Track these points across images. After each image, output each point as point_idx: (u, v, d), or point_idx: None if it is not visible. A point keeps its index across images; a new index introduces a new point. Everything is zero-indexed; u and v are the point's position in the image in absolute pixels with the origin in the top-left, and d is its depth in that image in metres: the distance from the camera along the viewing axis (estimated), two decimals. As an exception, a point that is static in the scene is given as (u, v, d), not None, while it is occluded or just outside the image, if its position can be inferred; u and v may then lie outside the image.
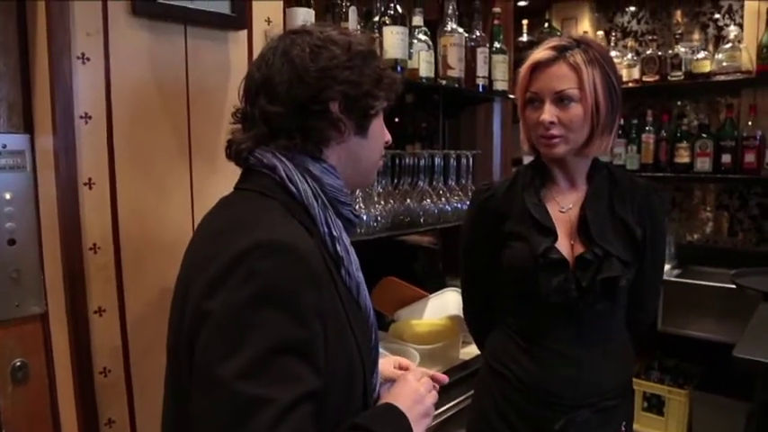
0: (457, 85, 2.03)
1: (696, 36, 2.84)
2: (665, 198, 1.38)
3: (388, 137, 1.01)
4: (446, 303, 1.98)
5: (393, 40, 1.76)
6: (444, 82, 1.99)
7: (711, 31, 2.89)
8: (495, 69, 2.23)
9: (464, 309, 1.56)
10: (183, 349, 0.80)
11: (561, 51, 1.20)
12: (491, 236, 1.33)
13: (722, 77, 2.69)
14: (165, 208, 1.39)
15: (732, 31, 2.68)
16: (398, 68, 1.81)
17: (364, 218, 1.69)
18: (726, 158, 2.71)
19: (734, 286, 2.42)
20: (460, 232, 1.47)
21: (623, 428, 1.33)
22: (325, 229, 0.86)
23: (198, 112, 1.42)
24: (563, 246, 1.25)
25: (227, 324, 0.71)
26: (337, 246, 0.86)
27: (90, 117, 1.26)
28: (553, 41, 1.24)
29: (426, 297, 2.02)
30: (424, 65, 1.91)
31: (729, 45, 2.66)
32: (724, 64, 2.66)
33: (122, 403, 1.35)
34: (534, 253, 1.23)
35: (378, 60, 0.93)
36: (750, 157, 2.65)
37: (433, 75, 1.95)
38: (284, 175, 0.85)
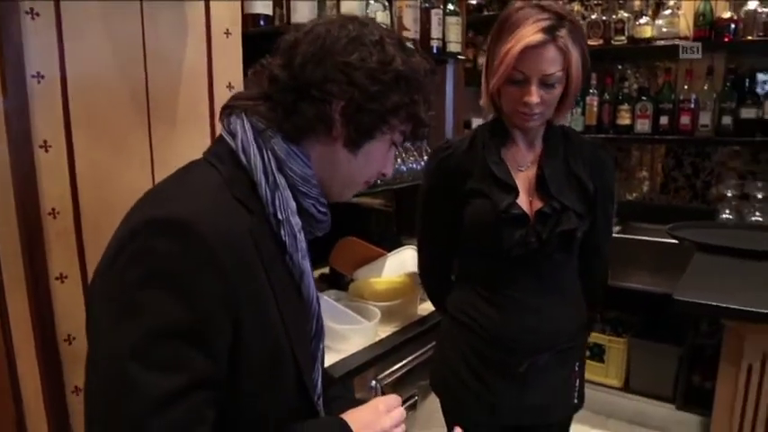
0: (413, 47, 2.03)
1: (638, 2, 2.93)
2: (610, 153, 1.45)
3: (388, 170, 0.92)
4: (404, 261, 2.03)
5: (352, 2, 1.75)
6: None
7: (652, -4, 2.98)
8: (449, 31, 2.25)
9: (420, 266, 1.61)
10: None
11: (551, 33, 1.19)
12: (451, 193, 1.37)
13: (661, 43, 2.79)
14: (125, 171, 1.36)
15: (671, -2, 2.78)
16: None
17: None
18: (664, 120, 2.84)
19: (670, 240, 2.59)
20: (419, 190, 1.50)
21: (576, 368, 1.44)
22: (271, 210, 0.80)
23: (155, 74, 1.39)
24: (523, 201, 1.32)
25: (115, 302, 0.68)
26: (281, 230, 0.80)
27: (43, 77, 1.21)
28: (538, 19, 1.20)
29: (384, 255, 2.06)
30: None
31: (669, 12, 2.76)
32: (663, 30, 2.77)
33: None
34: (497, 209, 1.29)
35: (416, 92, 0.84)
36: (685, 120, 2.79)
37: (389, 36, 1.96)
38: (240, 144, 0.80)
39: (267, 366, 0.79)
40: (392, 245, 2.27)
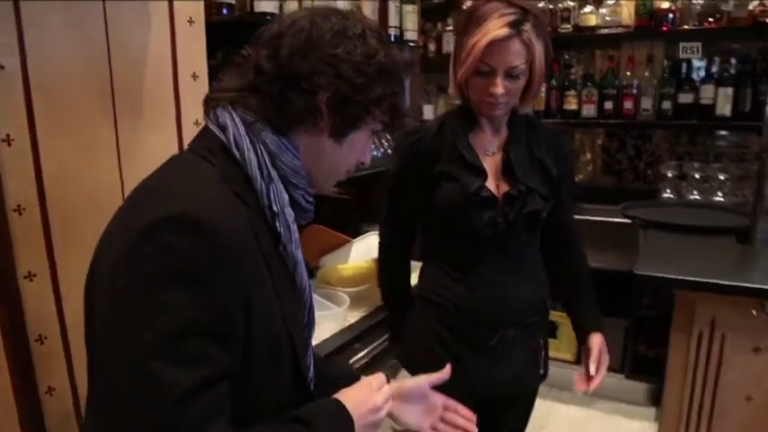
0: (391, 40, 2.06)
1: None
2: (567, 138, 1.56)
3: (367, 159, 0.95)
4: (369, 247, 2.06)
5: (313, -11, 1.75)
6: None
7: (596, -14, 3.09)
8: (406, 20, 2.28)
9: (381, 248, 1.63)
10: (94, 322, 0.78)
11: (516, 27, 1.24)
12: (421, 176, 1.42)
13: (605, 31, 2.91)
14: (92, 166, 1.33)
15: (614, -13, 2.90)
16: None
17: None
18: (608, 105, 2.96)
19: (615, 220, 2.73)
20: (390, 173, 1.53)
21: (541, 341, 1.53)
22: (266, 202, 0.81)
23: (119, 63, 1.35)
24: (490, 185, 1.38)
25: (135, 299, 0.68)
26: (276, 221, 0.82)
27: (2, 67, 1.16)
28: (504, 14, 1.25)
29: (350, 242, 2.09)
30: (340, 14, 1.92)
31: (612, 1, 2.88)
32: (607, 18, 2.88)
33: (62, 370, 1.31)
34: (466, 191, 1.35)
35: (397, 84, 0.87)
36: (628, 104, 2.92)
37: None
38: (232, 138, 0.80)
39: (269, 355, 0.81)
40: (354, 232, 2.30)
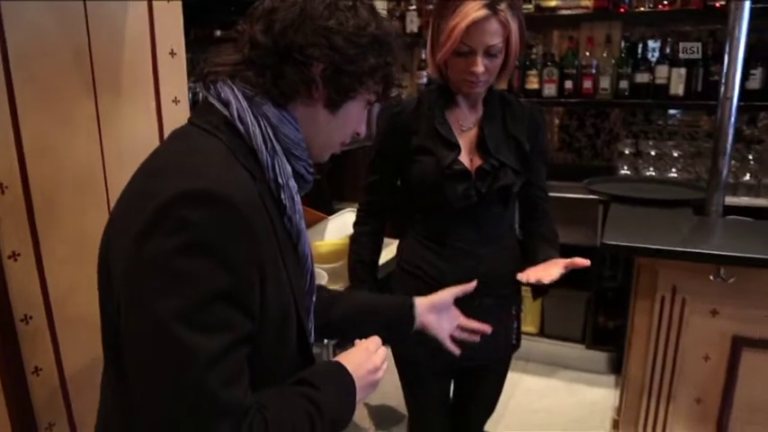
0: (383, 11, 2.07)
1: (543, -28, 3.10)
2: (541, 110, 1.58)
3: (362, 129, 0.97)
4: (345, 224, 2.10)
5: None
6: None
7: (556, -33, 3.16)
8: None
9: (357, 224, 1.66)
10: (111, 297, 0.79)
11: (492, 7, 1.29)
12: (398, 150, 1.47)
13: (565, 12, 2.99)
14: (73, 143, 1.32)
15: (573, -32, 2.98)
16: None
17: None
18: (568, 85, 3.06)
19: (576, 196, 2.83)
20: (372, 146, 1.57)
21: (514, 311, 1.60)
22: (271, 175, 0.83)
23: (99, 40, 1.33)
24: (464, 159, 1.43)
25: (158, 272, 0.70)
26: (282, 193, 0.84)
27: (-20, 43, 1.14)
28: None
29: (325, 219, 2.11)
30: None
31: (572, -18, 2.96)
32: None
33: (48, 350, 1.31)
34: (441, 165, 1.41)
35: (389, 54, 0.89)
36: (588, 84, 3.02)
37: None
38: (236, 113, 0.82)
39: (279, 320, 0.84)
40: (327, 210, 2.32)
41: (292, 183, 0.86)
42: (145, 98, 1.47)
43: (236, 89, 0.83)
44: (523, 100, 1.56)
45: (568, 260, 1.35)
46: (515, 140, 1.46)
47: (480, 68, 1.33)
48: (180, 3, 1.52)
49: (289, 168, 0.86)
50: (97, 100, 1.35)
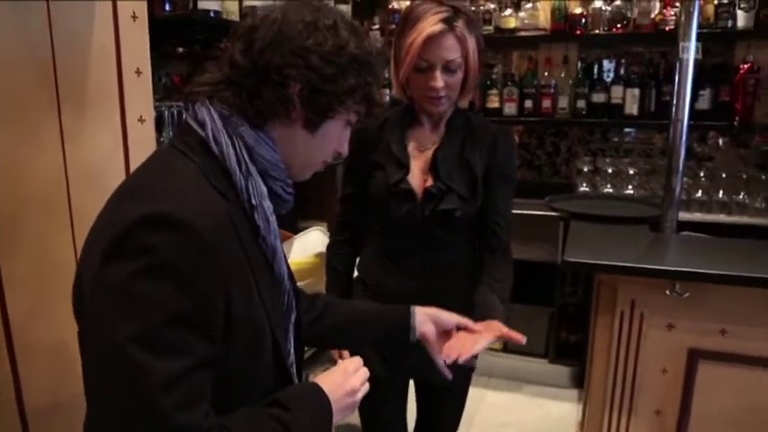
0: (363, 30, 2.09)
1: (502, -6, 3.20)
2: (510, 136, 1.57)
3: (344, 149, 0.97)
4: (311, 242, 2.10)
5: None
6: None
7: (515, -10, 3.25)
8: (340, 19, 2.32)
9: (333, 235, 1.68)
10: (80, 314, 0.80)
11: (449, 23, 1.32)
12: (362, 163, 1.49)
13: (524, 33, 3.08)
14: (36, 161, 1.29)
15: (531, -9, 3.07)
16: (258, 15, 1.82)
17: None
18: (528, 104, 3.14)
19: (537, 213, 2.89)
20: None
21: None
22: (245, 196, 0.83)
23: (64, 60, 1.32)
24: (416, 178, 1.45)
25: (118, 296, 0.71)
26: (255, 214, 0.84)
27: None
28: (436, 12, 1.32)
29: (291, 237, 2.11)
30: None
31: (530, 5, 3.05)
32: (526, 21, 3.05)
33: (6, 375, 1.27)
34: (387, 183, 1.43)
35: (370, 74, 0.89)
36: (546, 103, 3.11)
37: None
38: (210, 133, 0.82)
39: (251, 341, 0.83)
40: (292, 229, 2.32)
41: (267, 203, 0.86)
42: (110, 116, 1.46)
43: (212, 110, 0.84)
44: (493, 124, 1.54)
45: (505, 331, 1.24)
46: (468, 165, 1.44)
47: (440, 83, 1.34)
48: (146, 22, 1.51)
49: (264, 189, 0.85)
50: (61, 117, 1.33)
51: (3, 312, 1.24)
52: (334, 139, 0.94)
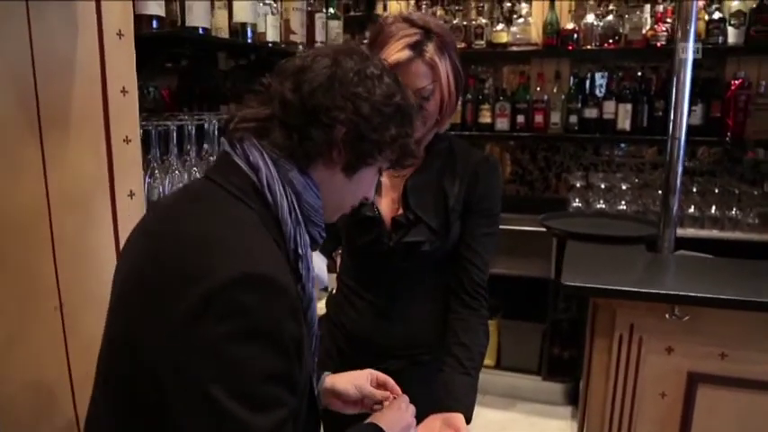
0: (301, 49, 2.05)
1: (495, 10, 3.19)
2: (494, 167, 1.40)
3: (371, 195, 0.99)
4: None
5: (243, 4, 1.72)
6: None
7: (507, 5, 3.24)
8: (331, 34, 2.29)
9: None
10: (132, 353, 0.79)
11: (417, 48, 1.21)
12: None
13: (516, 48, 3.07)
14: (15, 185, 1.23)
15: (523, 8, 3.07)
16: (249, 33, 1.78)
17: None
18: (520, 119, 3.13)
19: (529, 228, 2.87)
20: None
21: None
22: (292, 246, 0.84)
23: (45, 79, 1.26)
24: (386, 206, 1.34)
25: (214, 356, 0.72)
26: (299, 264, 0.85)
27: None
28: (403, 36, 1.22)
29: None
30: (270, 29, 1.90)
31: (522, 20, 3.04)
32: (518, 36, 3.04)
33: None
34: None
35: (409, 125, 0.92)
36: (539, 118, 3.10)
37: (278, 39, 1.95)
38: (265, 181, 0.83)
39: (303, 387, 0.87)
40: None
41: (309, 252, 0.87)
42: (94, 138, 1.39)
43: (264, 154, 0.84)
44: (478, 152, 1.43)
45: None
46: (444, 195, 1.32)
47: None
48: (132, 39, 1.46)
49: (307, 238, 0.87)
50: (43, 142, 1.27)
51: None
52: (366, 184, 0.96)
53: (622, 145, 3.26)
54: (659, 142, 2.93)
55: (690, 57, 1.79)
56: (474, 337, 1.31)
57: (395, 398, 1.13)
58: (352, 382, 1.15)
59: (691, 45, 1.79)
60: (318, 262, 1.99)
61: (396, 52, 1.20)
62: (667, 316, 1.71)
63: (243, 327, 0.72)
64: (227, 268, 0.72)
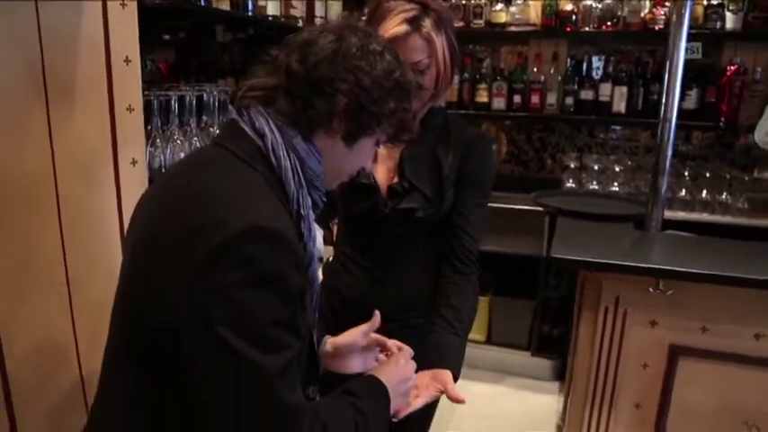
0: (300, 24, 2.08)
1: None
2: (488, 142, 1.48)
3: (368, 165, 1.05)
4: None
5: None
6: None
7: (506, -15, 3.25)
8: (330, 10, 2.31)
9: None
10: (144, 307, 0.85)
11: (414, 23, 1.25)
12: None
13: (514, 28, 3.09)
14: (22, 151, 1.27)
15: (523, -13, 3.08)
16: (249, 6, 1.81)
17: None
18: (517, 99, 3.16)
19: (521, 207, 2.92)
20: None
21: None
22: (295, 206, 0.90)
23: (52, 50, 1.29)
24: (383, 175, 1.39)
25: (225, 303, 0.77)
26: (302, 224, 0.91)
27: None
28: (401, 11, 1.26)
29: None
30: (270, 3, 1.92)
31: (521, 1, 3.05)
32: (516, 16, 3.06)
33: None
34: None
35: (407, 101, 0.98)
36: (535, 98, 3.13)
37: (278, 13, 1.98)
38: (270, 145, 0.88)
39: (305, 335, 0.91)
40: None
41: (311, 213, 0.93)
42: (98, 107, 1.43)
43: (270, 120, 0.90)
44: (473, 128, 1.47)
45: (450, 387, 1.19)
46: (438, 164, 1.38)
47: None
48: (135, 9, 1.49)
49: (309, 200, 0.93)
50: (49, 110, 1.31)
51: (-13, 303, 1.23)
52: (365, 154, 1.01)
53: (617, 128, 3.29)
54: (654, 126, 2.97)
55: (683, 41, 1.82)
56: (464, 299, 1.38)
57: (399, 349, 1.18)
58: (356, 333, 1.20)
59: (685, 29, 1.82)
60: (316, 233, 2.03)
61: (393, 27, 1.25)
62: (651, 290, 1.76)
63: (252, 275, 0.77)
64: (236, 222, 0.78)
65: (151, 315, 0.84)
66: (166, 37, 2.37)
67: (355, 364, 1.21)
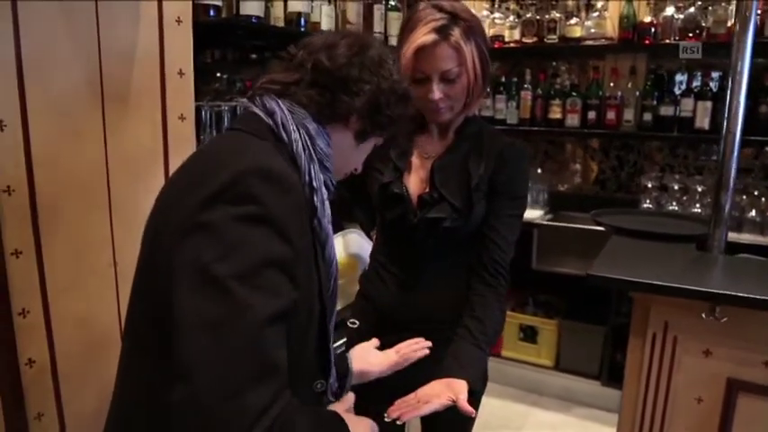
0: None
1: (569, 3, 3.12)
2: (521, 152, 1.46)
3: (359, 167, 1.09)
4: (347, 242, 2.15)
5: (298, -6, 1.85)
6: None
7: (582, -1, 3.18)
8: (390, 26, 2.37)
9: None
10: (159, 263, 0.83)
11: (442, 32, 1.28)
12: (368, 168, 1.43)
13: (590, 42, 2.99)
14: (79, 151, 1.42)
15: (599, 1, 2.98)
16: (302, 21, 1.91)
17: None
18: (592, 115, 3.04)
19: (595, 228, 2.79)
20: None
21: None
22: (307, 179, 0.91)
23: (109, 60, 1.44)
24: (414, 184, 1.42)
25: (221, 235, 0.76)
26: (314, 196, 0.91)
27: (-8, 59, 1.25)
28: (430, 20, 1.29)
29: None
30: (325, 19, 2.01)
31: (597, 14, 2.96)
32: (592, 30, 2.97)
33: (42, 343, 1.39)
34: (379, 184, 1.43)
35: (409, 110, 1.05)
36: (611, 115, 3.00)
37: (333, 29, 2.06)
38: (279, 121, 0.91)
39: (305, 313, 0.91)
40: (335, 227, 2.38)
41: (324, 189, 0.94)
42: (151, 112, 1.57)
43: (281, 103, 0.94)
44: (507, 137, 1.46)
45: (461, 398, 1.16)
46: (468, 175, 1.39)
47: (437, 95, 1.31)
48: (189, 26, 1.62)
49: (321, 176, 0.94)
50: (104, 111, 1.46)
51: (42, 287, 1.37)
52: (364, 154, 1.08)
53: (704, 146, 3.08)
54: (751, 143, 2.75)
55: (748, 49, 1.70)
56: (489, 312, 1.37)
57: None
58: (384, 352, 1.28)
59: (750, 37, 1.70)
60: (365, 245, 2.10)
61: (422, 35, 1.29)
62: (704, 315, 1.63)
63: (251, 211, 0.77)
64: (244, 162, 0.81)
65: (157, 259, 0.86)
66: (253, 56, 2.55)
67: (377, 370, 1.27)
